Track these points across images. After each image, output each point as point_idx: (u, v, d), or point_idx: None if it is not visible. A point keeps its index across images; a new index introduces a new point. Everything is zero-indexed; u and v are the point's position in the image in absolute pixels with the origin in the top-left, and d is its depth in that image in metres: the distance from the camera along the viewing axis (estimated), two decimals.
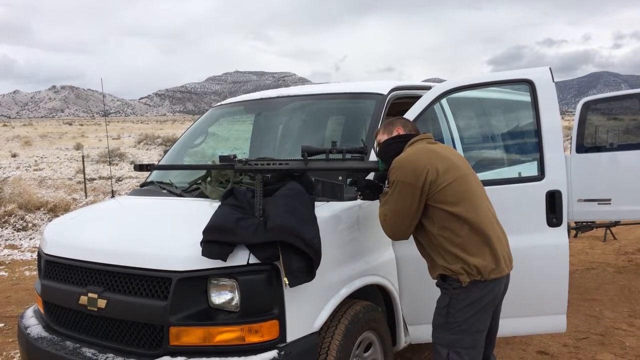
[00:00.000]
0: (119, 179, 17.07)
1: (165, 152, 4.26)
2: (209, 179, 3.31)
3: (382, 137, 2.78)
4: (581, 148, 6.22)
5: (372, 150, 3.00)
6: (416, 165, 2.51)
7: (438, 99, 3.34)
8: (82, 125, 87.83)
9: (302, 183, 2.80)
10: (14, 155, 27.32)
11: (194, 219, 2.72)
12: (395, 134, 2.75)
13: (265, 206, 2.60)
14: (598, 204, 5.94)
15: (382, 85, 3.67)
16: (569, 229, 6.56)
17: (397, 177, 2.52)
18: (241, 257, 2.46)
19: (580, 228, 7.48)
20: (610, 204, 5.88)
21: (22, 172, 19.07)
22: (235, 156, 2.80)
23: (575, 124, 6.32)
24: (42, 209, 10.83)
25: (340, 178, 2.76)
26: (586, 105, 6.38)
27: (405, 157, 2.58)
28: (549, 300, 3.32)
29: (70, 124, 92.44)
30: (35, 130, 63.17)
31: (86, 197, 12.80)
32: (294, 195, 2.66)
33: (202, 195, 3.20)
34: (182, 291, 2.46)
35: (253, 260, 2.45)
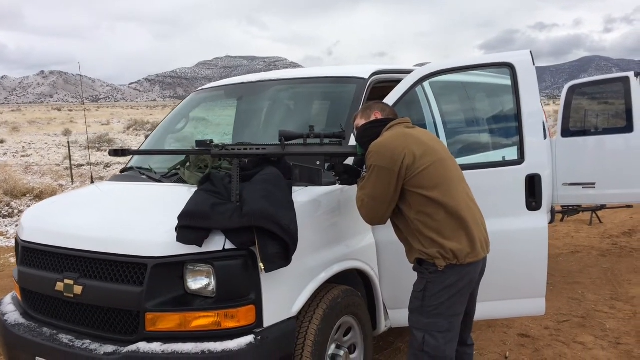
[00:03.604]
0: (107, 165, 16.94)
1: (147, 137, 4.21)
2: (187, 164, 3.27)
3: (360, 121, 2.76)
4: (567, 132, 6.25)
5: (352, 134, 2.97)
6: (393, 150, 2.49)
7: (418, 82, 3.32)
8: (71, 110, 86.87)
9: (279, 168, 2.79)
10: (1, 142, 26.98)
11: (171, 205, 2.69)
12: (373, 118, 2.73)
13: (242, 191, 2.58)
14: (582, 187, 5.99)
15: (364, 69, 3.63)
16: (554, 212, 6.60)
17: (374, 162, 2.51)
18: (217, 243, 2.45)
19: (566, 212, 7.53)
20: (594, 187, 5.93)
21: (10, 159, 18.88)
22: (212, 141, 2.77)
23: (560, 108, 6.33)
24: (28, 195, 10.76)
25: (318, 163, 2.74)
26: (572, 89, 6.39)
27: (382, 142, 2.56)
28: (528, 283, 3.34)
29: (59, 110, 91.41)
30: (23, 116, 62.37)
31: (73, 184, 12.71)
32: (271, 181, 2.64)
33: (181, 180, 3.18)
34: (157, 277, 2.45)
35: (229, 245, 2.44)
